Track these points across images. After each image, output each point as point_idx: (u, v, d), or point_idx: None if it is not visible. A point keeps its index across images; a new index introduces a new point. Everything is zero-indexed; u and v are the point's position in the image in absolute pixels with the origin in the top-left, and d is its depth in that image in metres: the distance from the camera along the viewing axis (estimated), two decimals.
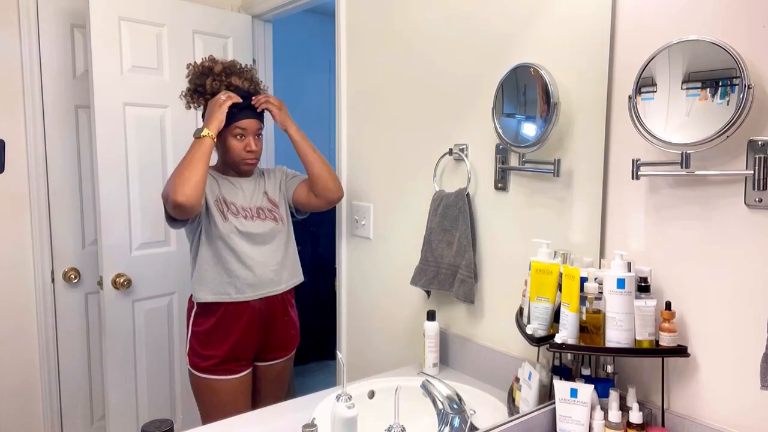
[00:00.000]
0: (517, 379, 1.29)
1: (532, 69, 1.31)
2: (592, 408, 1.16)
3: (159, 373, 1.96)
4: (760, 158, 1.04)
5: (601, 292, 1.18)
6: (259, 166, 1.70)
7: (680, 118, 1.11)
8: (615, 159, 1.30)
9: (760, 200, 1.06)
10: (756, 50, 1.06)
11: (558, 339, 1.17)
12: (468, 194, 1.46)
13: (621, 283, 1.14)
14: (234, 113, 1.56)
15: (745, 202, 1.09)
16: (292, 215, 1.73)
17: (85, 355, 1.88)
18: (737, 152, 1.09)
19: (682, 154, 1.11)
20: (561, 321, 1.19)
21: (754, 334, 1.09)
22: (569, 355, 1.30)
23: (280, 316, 1.68)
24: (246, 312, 1.61)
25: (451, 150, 1.51)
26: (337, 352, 1.91)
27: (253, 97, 1.60)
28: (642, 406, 1.17)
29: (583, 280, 1.19)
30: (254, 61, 2.12)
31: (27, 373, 1.77)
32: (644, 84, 1.15)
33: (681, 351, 1.14)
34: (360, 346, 1.84)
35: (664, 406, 1.21)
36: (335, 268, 1.90)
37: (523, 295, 1.29)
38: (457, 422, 1.17)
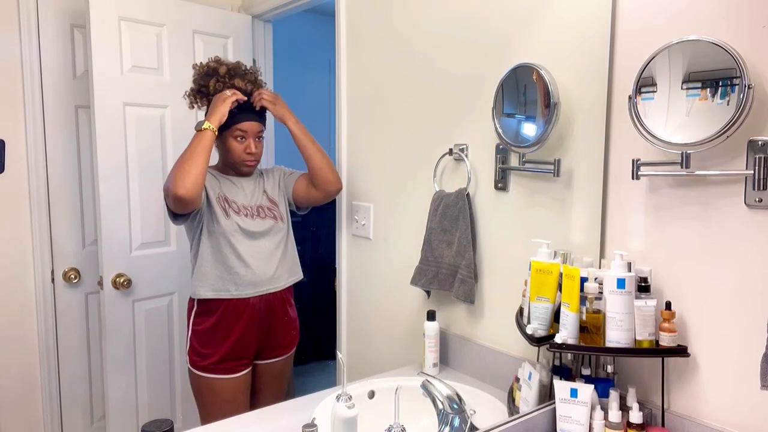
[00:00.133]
0: (517, 379, 1.29)
1: (532, 69, 1.31)
2: (592, 408, 1.16)
3: (159, 373, 1.96)
4: (760, 158, 1.04)
5: (601, 292, 1.18)
6: (258, 166, 1.71)
7: (680, 118, 1.11)
8: (615, 159, 1.30)
9: (760, 200, 1.06)
10: (756, 50, 1.06)
11: (558, 339, 1.17)
12: (468, 194, 1.46)
13: (621, 283, 1.14)
14: (235, 115, 1.57)
15: (745, 202, 1.09)
16: (292, 213, 1.74)
17: (85, 355, 1.88)
18: (737, 152, 1.09)
19: (682, 154, 1.11)
20: (561, 321, 1.19)
21: (754, 334, 1.09)
22: (569, 355, 1.30)
23: (280, 315, 1.69)
24: (246, 310, 1.62)
25: (451, 150, 1.51)
26: (337, 352, 1.91)
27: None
28: (642, 406, 1.17)
29: (583, 280, 1.19)
30: (254, 61, 2.13)
31: (27, 373, 1.77)
32: (644, 84, 1.15)
33: (681, 351, 1.14)
34: (360, 346, 1.84)
35: (664, 406, 1.21)
36: (335, 268, 1.90)
37: (523, 295, 1.29)
38: (457, 422, 1.17)
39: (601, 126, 1.31)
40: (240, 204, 1.63)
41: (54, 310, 1.79)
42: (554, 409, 1.20)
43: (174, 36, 1.91)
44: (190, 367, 1.64)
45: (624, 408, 1.18)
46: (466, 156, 1.48)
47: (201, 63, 1.64)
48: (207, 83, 1.60)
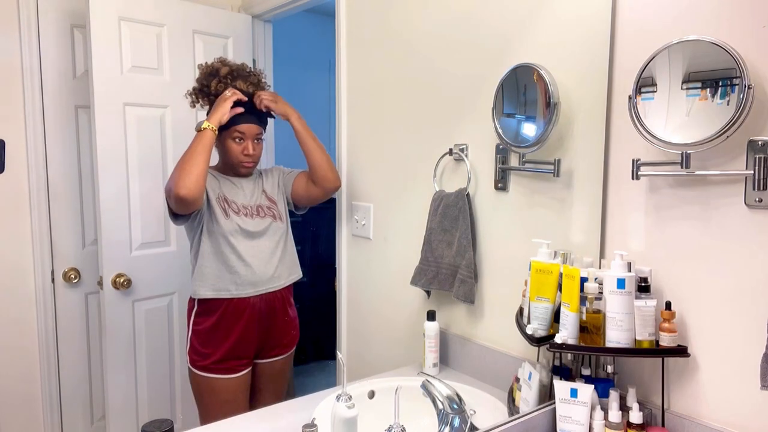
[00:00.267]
0: (517, 379, 1.29)
1: (532, 69, 1.31)
2: (592, 408, 1.16)
3: (159, 373, 1.96)
4: (760, 158, 1.04)
5: (601, 292, 1.18)
6: (258, 166, 1.71)
7: (680, 118, 1.11)
8: (615, 159, 1.30)
9: (760, 200, 1.06)
10: (756, 50, 1.06)
11: (558, 339, 1.17)
12: (468, 194, 1.46)
13: (621, 283, 1.14)
14: (235, 116, 1.57)
15: (745, 202, 1.09)
16: (292, 212, 1.74)
17: (85, 355, 1.88)
18: (737, 152, 1.09)
19: (682, 154, 1.11)
20: (561, 321, 1.19)
21: (754, 334, 1.09)
22: (569, 355, 1.30)
23: (280, 314, 1.69)
24: (246, 309, 1.62)
25: (451, 150, 1.51)
26: (337, 352, 1.91)
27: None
28: (642, 406, 1.17)
29: (583, 280, 1.19)
30: (254, 61, 2.13)
31: (27, 372, 1.77)
32: (644, 84, 1.15)
33: (681, 351, 1.13)
34: (360, 346, 1.84)
35: (664, 406, 1.21)
36: (335, 268, 1.90)
37: (523, 295, 1.29)
38: (457, 422, 1.17)
39: (601, 126, 1.31)
40: (240, 204, 1.63)
41: (54, 310, 1.79)
42: (554, 409, 1.20)
43: (174, 36, 1.91)
44: (191, 367, 1.65)
45: (624, 408, 1.18)
46: (466, 156, 1.48)
47: (206, 63, 1.65)
48: (209, 83, 1.61)
